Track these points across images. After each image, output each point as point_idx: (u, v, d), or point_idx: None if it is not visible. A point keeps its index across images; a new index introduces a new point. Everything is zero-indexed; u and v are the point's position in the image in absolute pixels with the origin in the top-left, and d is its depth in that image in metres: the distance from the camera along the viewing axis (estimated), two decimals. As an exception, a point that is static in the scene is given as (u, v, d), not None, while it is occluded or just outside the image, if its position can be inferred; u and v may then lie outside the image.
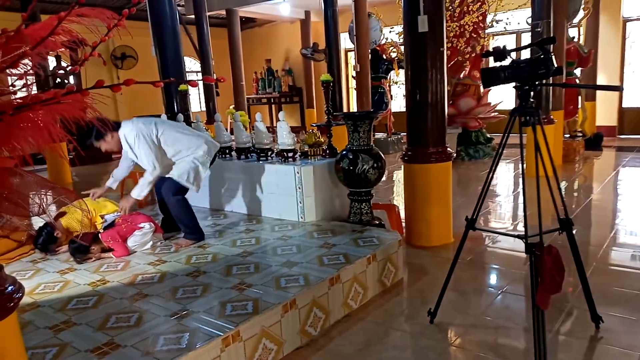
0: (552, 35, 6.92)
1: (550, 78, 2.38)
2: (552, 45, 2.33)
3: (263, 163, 4.40)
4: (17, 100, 1.06)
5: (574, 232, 2.64)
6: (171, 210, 3.80)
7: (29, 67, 1.20)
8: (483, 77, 2.41)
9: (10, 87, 1.19)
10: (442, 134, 4.23)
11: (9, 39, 0.98)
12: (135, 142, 3.53)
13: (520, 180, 7.38)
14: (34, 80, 1.33)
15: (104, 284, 3.00)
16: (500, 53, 2.32)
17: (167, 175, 3.72)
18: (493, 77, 2.37)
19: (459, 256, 2.83)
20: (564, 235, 2.62)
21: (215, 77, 0.88)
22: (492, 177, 2.63)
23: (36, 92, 1.36)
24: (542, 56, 2.26)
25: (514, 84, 2.39)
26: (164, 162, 3.67)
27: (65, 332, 2.37)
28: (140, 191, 3.59)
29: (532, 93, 2.35)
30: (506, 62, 2.40)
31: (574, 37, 8.81)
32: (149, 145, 3.55)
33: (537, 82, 2.32)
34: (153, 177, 3.59)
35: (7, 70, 1.02)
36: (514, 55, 2.37)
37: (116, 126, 3.56)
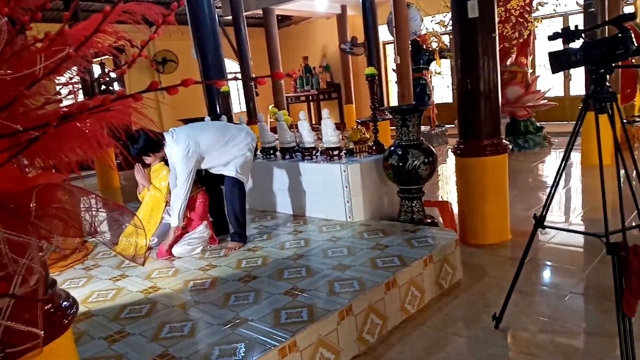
0: (607, 15, 6.48)
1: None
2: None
3: (308, 162, 4.29)
4: (64, 109, 0.98)
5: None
6: (231, 202, 3.74)
7: (74, 73, 1.12)
8: (552, 61, 2.20)
9: (56, 95, 1.11)
10: (497, 125, 3.99)
11: (51, 41, 0.89)
12: (183, 160, 3.47)
13: (573, 171, 7.04)
14: (80, 87, 1.25)
15: (155, 291, 2.97)
16: (572, 33, 2.10)
17: (226, 174, 3.73)
18: (563, 61, 2.16)
19: (526, 256, 2.64)
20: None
21: (284, 73, 0.77)
22: (563, 169, 2.42)
23: (82, 99, 1.28)
24: (619, 35, 2.03)
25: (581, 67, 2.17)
26: (216, 160, 3.68)
27: (119, 343, 2.33)
28: (177, 218, 3.53)
29: (607, 77, 2.13)
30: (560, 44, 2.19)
31: (630, 16, 8.26)
32: (193, 166, 3.51)
33: (613, 64, 2.09)
34: (183, 199, 3.51)
35: (52, 77, 0.93)
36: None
37: (162, 140, 3.54)
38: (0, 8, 0.86)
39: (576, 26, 2.13)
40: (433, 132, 10.31)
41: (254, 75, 10.73)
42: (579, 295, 3.12)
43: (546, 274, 3.56)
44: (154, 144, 3.52)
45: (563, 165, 2.39)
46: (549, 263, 3.68)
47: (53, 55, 0.89)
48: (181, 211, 3.53)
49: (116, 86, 10.88)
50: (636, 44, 6.31)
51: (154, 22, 1.02)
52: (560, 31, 2.16)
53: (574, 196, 5.60)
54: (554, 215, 4.92)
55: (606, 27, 6.00)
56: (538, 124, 8.86)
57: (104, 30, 0.95)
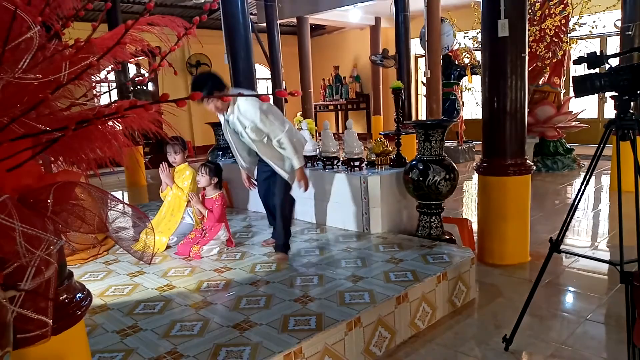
0: (645, 38, 6.34)
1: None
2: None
3: (329, 171, 4.32)
4: (86, 111, 1.04)
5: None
6: (282, 214, 3.54)
7: (99, 77, 1.18)
8: (575, 86, 2.18)
9: (83, 98, 1.18)
10: (521, 145, 3.96)
11: (78, 49, 0.96)
12: (264, 114, 3.23)
13: (602, 195, 6.87)
14: (108, 91, 1.32)
15: (170, 289, 3.04)
16: (596, 59, 2.09)
17: (279, 172, 3.46)
18: (587, 86, 2.14)
19: (540, 279, 2.60)
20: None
21: (293, 90, 0.80)
22: (582, 194, 2.39)
23: (116, 98, 1.36)
24: (645, 62, 2.01)
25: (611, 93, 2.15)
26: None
27: (131, 338, 2.40)
28: (299, 159, 3.42)
29: (632, 104, 2.10)
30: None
31: (670, 40, 8.04)
32: (275, 116, 3.33)
33: (638, 92, 2.06)
34: (293, 140, 3.38)
35: (76, 82, 0.99)
36: (612, 61, 2.13)
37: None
38: (34, 17, 0.93)
39: (601, 51, 2.11)
40: (460, 147, 10.23)
41: (284, 86, 10.85)
42: (595, 322, 3.05)
43: (564, 299, 3.49)
44: (221, 87, 3.23)
45: (582, 189, 2.36)
46: (567, 288, 3.61)
47: (79, 62, 0.96)
48: (301, 155, 3.46)
49: (150, 86, 11.17)
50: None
51: (176, 34, 1.07)
52: (585, 56, 2.15)
53: (601, 221, 5.47)
54: (580, 240, 4.82)
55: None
56: (568, 146, 8.69)
57: (126, 41, 1.01)
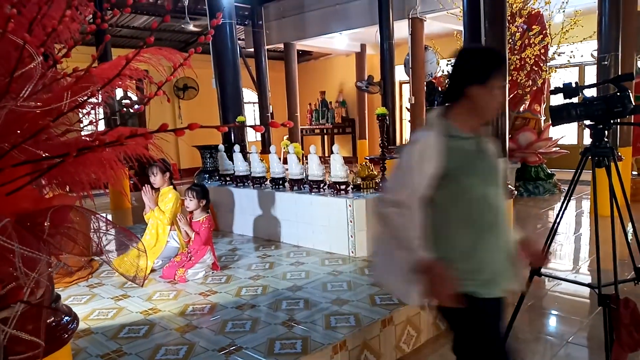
0: (620, 69, 6.59)
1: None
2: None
3: (315, 195, 4.37)
4: (84, 138, 1.08)
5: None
6: None
7: (96, 101, 1.22)
8: (552, 115, 2.28)
9: (78, 123, 1.21)
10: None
11: (78, 79, 1.00)
12: None
13: (583, 219, 7.01)
14: (102, 117, 1.36)
15: (155, 313, 3.02)
16: (571, 90, 2.19)
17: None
18: (563, 115, 2.24)
19: (522, 303, 2.65)
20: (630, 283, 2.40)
21: (281, 123, 0.85)
22: (560, 219, 2.46)
23: (104, 125, 1.40)
24: (618, 93, 2.11)
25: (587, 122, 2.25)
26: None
27: (116, 362, 2.38)
28: None
29: (606, 132, 2.20)
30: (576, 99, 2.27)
31: (644, 71, 8.36)
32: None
33: (612, 121, 2.16)
34: None
35: (76, 110, 1.03)
36: (589, 92, 2.23)
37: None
38: (36, 48, 0.97)
39: (576, 83, 2.21)
40: (444, 172, 10.36)
41: (271, 110, 10.96)
42: (577, 345, 3.09)
43: (546, 322, 3.54)
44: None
45: (561, 214, 2.44)
46: (550, 311, 3.66)
47: (79, 91, 1.00)
48: None
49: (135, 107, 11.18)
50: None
51: (172, 65, 1.13)
52: (561, 86, 2.25)
53: (583, 245, 5.57)
54: (562, 263, 4.89)
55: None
56: (549, 171, 8.89)
57: (125, 73, 1.05)
